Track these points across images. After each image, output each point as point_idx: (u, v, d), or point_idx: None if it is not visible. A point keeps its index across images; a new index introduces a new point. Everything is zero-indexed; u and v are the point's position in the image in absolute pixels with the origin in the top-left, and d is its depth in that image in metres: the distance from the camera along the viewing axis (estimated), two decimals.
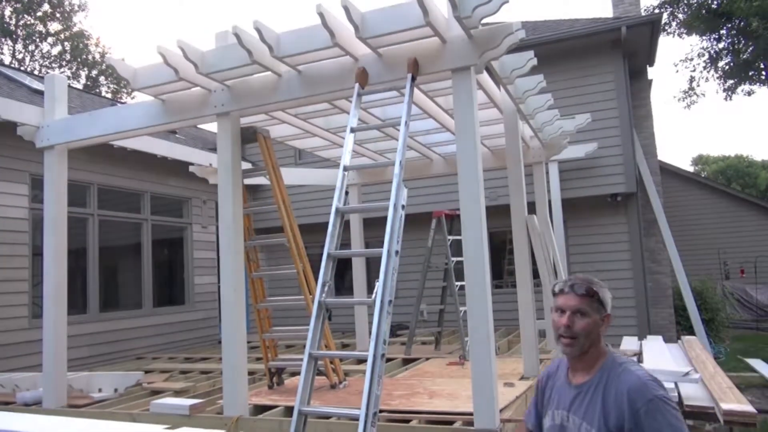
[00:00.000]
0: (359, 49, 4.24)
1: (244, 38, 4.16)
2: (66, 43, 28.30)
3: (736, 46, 18.55)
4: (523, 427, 2.30)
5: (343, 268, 9.70)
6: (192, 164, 8.17)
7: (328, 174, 8.86)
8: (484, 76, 4.97)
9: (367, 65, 4.25)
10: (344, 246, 4.66)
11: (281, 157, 10.81)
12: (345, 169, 3.82)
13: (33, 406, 5.40)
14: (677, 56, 71.36)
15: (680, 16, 18.77)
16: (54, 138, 5.54)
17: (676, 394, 4.46)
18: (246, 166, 7.43)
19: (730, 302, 15.26)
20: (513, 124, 5.80)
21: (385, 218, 3.49)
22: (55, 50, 28.35)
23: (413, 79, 4.04)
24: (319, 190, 10.55)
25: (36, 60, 27.84)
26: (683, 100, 20.51)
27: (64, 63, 28.51)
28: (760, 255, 17.41)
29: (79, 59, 28.72)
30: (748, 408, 3.90)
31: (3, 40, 26.56)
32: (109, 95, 28.03)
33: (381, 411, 4.22)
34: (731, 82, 19.30)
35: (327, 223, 3.72)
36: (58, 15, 27.94)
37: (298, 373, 4.86)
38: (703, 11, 17.70)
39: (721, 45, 19.08)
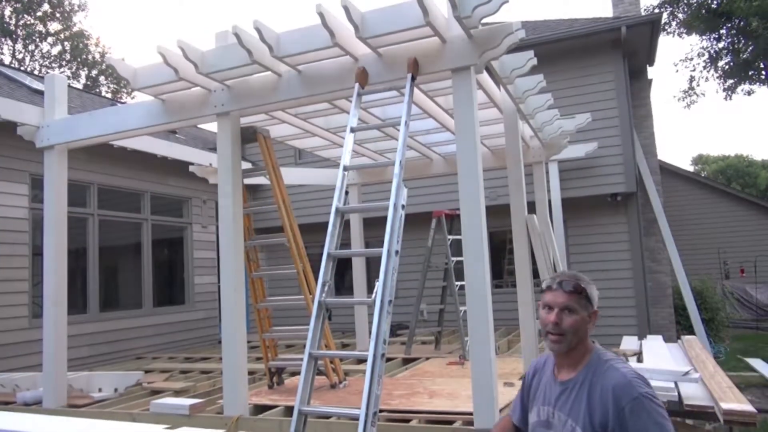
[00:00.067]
0: (359, 48, 4.24)
1: (244, 38, 4.16)
2: (66, 43, 28.30)
3: (735, 46, 18.55)
4: (508, 420, 2.29)
5: (343, 268, 9.70)
6: (192, 164, 8.18)
7: (328, 174, 8.87)
8: (484, 76, 4.97)
9: (367, 65, 4.25)
10: (344, 246, 4.67)
11: (281, 156, 10.81)
12: (345, 168, 3.82)
13: (33, 405, 5.41)
14: (677, 56, 71.44)
15: (680, 15, 18.77)
16: (54, 138, 5.54)
17: (676, 393, 4.45)
18: (246, 165, 7.43)
19: (730, 302, 15.26)
20: (513, 124, 5.80)
21: (385, 218, 3.49)
22: (55, 50, 28.36)
23: (413, 78, 4.04)
24: (319, 189, 10.55)
25: (36, 60, 27.85)
26: (683, 100, 20.52)
27: (64, 63, 28.51)
28: (760, 254, 17.42)
29: (79, 59, 28.72)
30: (748, 407, 3.90)
31: (3, 40, 26.56)
32: (109, 95, 28.03)
33: (381, 411, 4.23)
34: (731, 81, 19.30)
35: (327, 223, 3.72)
36: (58, 15, 27.94)
37: (298, 373, 4.86)
38: (703, 11, 17.70)
39: (720, 45, 19.09)
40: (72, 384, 5.63)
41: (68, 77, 26.81)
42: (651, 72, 13.45)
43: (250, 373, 6.02)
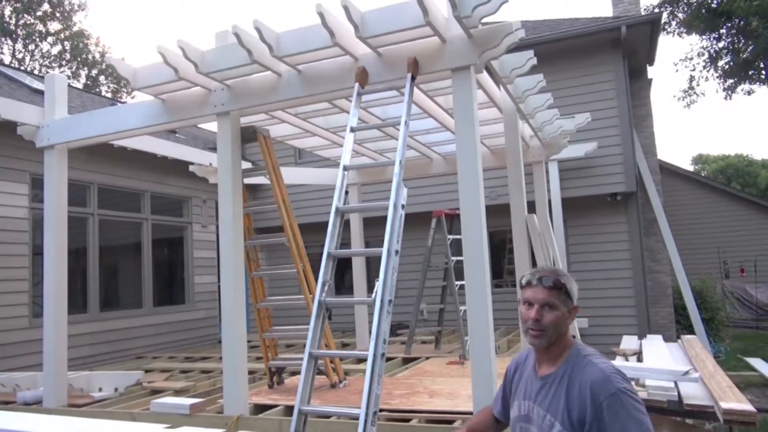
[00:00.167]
0: (359, 48, 4.24)
1: (244, 38, 4.16)
2: (66, 43, 28.31)
3: (735, 46, 18.54)
4: (488, 412, 2.30)
5: (343, 268, 9.71)
6: (192, 164, 8.18)
7: (328, 173, 8.87)
8: (484, 76, 4.97)
9: (367, 65, 4.25)
10: (344, 245, 4.67)
11: (281, 156, 10.82)
12: (345, 168, 3.82)
13: (33, 405, 5.41)
14: (677, 55, 71.45)
15: (680, 15, 18.76)
16: (54, 138, 5.54)
17: (676, 393, 4.46)
18: (246, 165, 7.42)
19: (729, 301, 15.27)
20: (513, 124, 5.80)
21: (385, 218, 3.50)
22: (55, 50, 28.37)
23: (413, 78, 4.04)
24: (319, 189, 10.55)
25: (36, 60, 27.86)
26: (683, 100, 20.50)
27: (64, 62, 28.52)
28: (759, 254, 17.42)
29: (79, 59, 28.73)
30: (748, 407, 3.90)
31: (3, 39, 26.56)
32: (109, 95, 28.04)
33: (381, 410, 4.23)
34: (731, 81, 19.28)
35: (327, 223, 3.72)
36: (57, 14, 27.94)
37: (298, 373, 4.86)
38: (703, 10, 17.69)
39: (720, 44, 19.07)
40: (72, 383, 5.64)
41: (68, 77, 26.81)
42: (651, 72, 13.46)
43: (251, 372, 6.02)
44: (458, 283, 7.12)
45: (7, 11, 26.44)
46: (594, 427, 1.74)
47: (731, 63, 18.78)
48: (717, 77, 19.61)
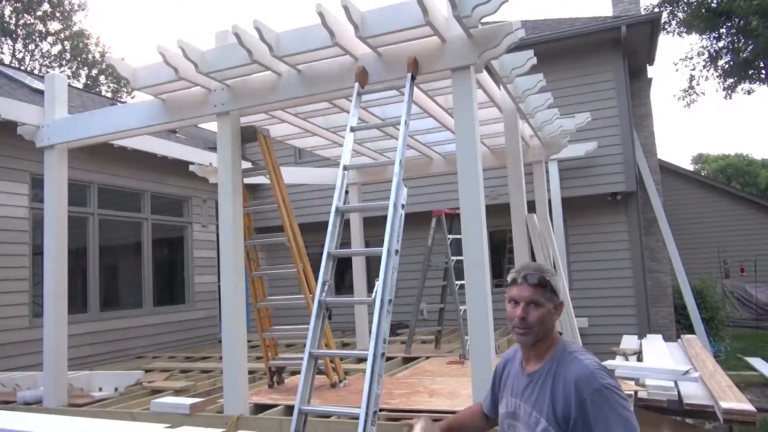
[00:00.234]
0: (359, 48, 4.24)
1: (244, 38, 4.16)
2: (66, 43, 28.31)
3: (735, 45, 18.54)
4: (479, 406, 2.30)
5: (343, 267, 9.71)
6: (192, 163, 8.18)
7: (328, 173, 8.87)
8: (484, 75, 4.97)
9: (366, 64, 4.25)
10: (344, 245, 4.67)
11: (281, 156, 10.82)
12: (345, 168, 3.82)
13: (33, 405, 5.41)
14: (677, 55, 71.40)
15: (680, 14, 18.76)
16: (54, 137, 5.54)
17: (676, 392, 4.46)
18: (246, 165, 7.43)
19: (730, 301, 15.29)
20: (513, 123, 5.80)
21: (385, 217, 3.50)
22: (55, 49, 28.37)
23: (413, 78, 4.04)
24: (319, 189, 10.55)
25: (36, 59, 27.86)
26: (683, 99, 20.50)
27: (64, 62, 28.52)
28: (760, 254, 17.43)
29: (79, 58, 28.73)
30: (748, 406, 3.91)
31: (3, 39, 26.56)
32: (109, 94, 28.04)
33: (381, 410, 4.23)
34: (731, 80, 19.28)
35: (327, 222, 3.72)
36: (57, 14, 27.93)
37: (299, 372, 4.86)
38: (703, 10, 17.69)
39: (720, 44, 19.07)
40: (72, 383, 5.64)
41: (68, 77, 26.80)
42: (651, 71, 13.45)
43: (251, 372, 6.02)
44: (458, 282, 7.12)
45: (7, 11, 26.44)
46: (578, 423, 1.74)
47: (731, 62, 18.78)
48: (717, 77, 19.62)
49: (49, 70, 27.42)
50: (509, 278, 1.98)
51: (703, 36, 19.01)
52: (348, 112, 4.68)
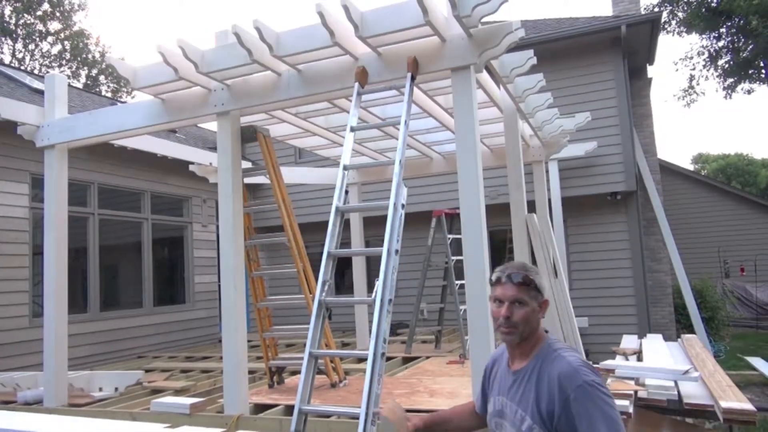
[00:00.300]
0: (359, 48, 4.24)
1: (244, 37, 4.16)
2: (66, 43, 28.29)
3: (735, 45, 18.54)
4: (471, 405, 2.30)
5: (343, 267, 9.71)
6: (192, 163, 8.18)
7: (328, 173, 8.87)
8: (484, 75, 4.97)
9: (366, 64, 4.25)
10: (344, 245, 4.67)
11: (281, 156, 10.82)
12: (345, 168, 3.82)
13: (34, 405, 5.41)
14: (677, 55, 71.39)
15: (680, 14, 18.76)
16: (54, 137, 5.54)
17: (676, 392, 4.46)
18: (246, 165, 7.43)
19: (730, 300, 15.28)
20: (513, 123, 5.80)
21: (385, 217, 3.50)
22: (55, 49, 28.34)
23: (413, 78, 4.04)
24: (319, 189, 10.55)
25: (36, 59, 27.84)
26: (683, 99, 20.51)
27: (63, 62, 28.50)
28: (760, 253, 17.43)
29: (78, 58, 28.71)
30: (748, 406, 3.90)
31: (3, 39, 26.55)
32: (109, 94, 28.03)
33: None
34: (731, 80, 19.28)
35: (327, 222, 3.73)
36: (57, 14, 27.92)
37: (299, 372, 4.87)
38: (703, 9, 17.69)
39: (720, 43, 19.07)
40: (73, 383, 5.64)
41: (68, 76, 26.80)
42: (651, 71, 13.45)
43: (251, 372, 6.02)
44: (458, 282, 7.12)
45: (7, 11, 26.43)
46: (562, 420, 1.73)
47: (731, 62, 18.77)
48: (717, 76, 19.62)
49: (49, 70, 27.42)
50: (493, 278, 1.98)
51: (703, 36, 19.01)
52: (348, 111, 4.69)
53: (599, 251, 9.66)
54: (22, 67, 25.12)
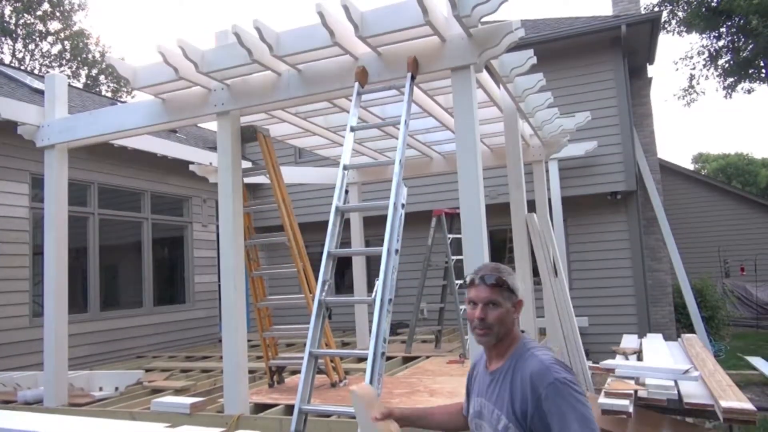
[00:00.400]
0: (359, 48, 4.24)
1: (244, 37, 4.16)
2: (66, 42, 28.29)
3: (735, 44, 18.52)
4: (459, 406, 2.30)
5: (343, 267, 9.71)
6: (192, 163, 8.18)
7: (328, 173, 8.87)
8: (484, 75, 4.97)
9: (366, 64, 4.25)
10: (344, 244, 4.67)
11: (281, 155, 10.82)
12: (345, 167, 3.82)
13: (34, 404, 5.41)
14: (677, 54, 71.37)
15: (680, 14, 18.74)
16: (54, 137, 5.54)
17: (676, 391, 4.46)
18: (246, 164, 7.43)
19: (730, 300, 15.29)
20: (513, 123, 5.80)
21: (385, 217, 3.50)
22: (55, 49, 28.34)
23: (413, 77, 4.04)
24: (319, 188, 10.55)
25: (36, 59, 27.84)
26: (683, 98, 20.48)
27: (64, 62, 28.50)
28: (760, 253, 17.43)
29: (79, 58, 28.71)
30: (748, 406, 3.90)
31: (3, 39, 26.55)
32: (109, 94, 28.03)
33: None
34: (731, 80, 19.26)
35: (327, 222, 3.73)
36: (57, 14, 27.91)
37: (299, 372, 4.87)
38: (703, 9, 17.67)
39: (720, 43, 19.05)
40: (73, 383, 5.64)
41: (68, 76, 26.81)
42: (651, 70, 13.43)
43: (251, 371, 6.02)
44: (458, 282, 7.12)
45: (7, 11, 26.42)
46: (535, 418, 1.74)
47: (731, 61, 18.76)
48: (717, 76, 19.59)
49: (49, 69, 27.42)
50: (467, 279, 1.99)
51: (703, 35, 19.00)
52: (348, 111, 4.69)
53: (599, 251, 9.66)
54: (22, 67, 25.13)
